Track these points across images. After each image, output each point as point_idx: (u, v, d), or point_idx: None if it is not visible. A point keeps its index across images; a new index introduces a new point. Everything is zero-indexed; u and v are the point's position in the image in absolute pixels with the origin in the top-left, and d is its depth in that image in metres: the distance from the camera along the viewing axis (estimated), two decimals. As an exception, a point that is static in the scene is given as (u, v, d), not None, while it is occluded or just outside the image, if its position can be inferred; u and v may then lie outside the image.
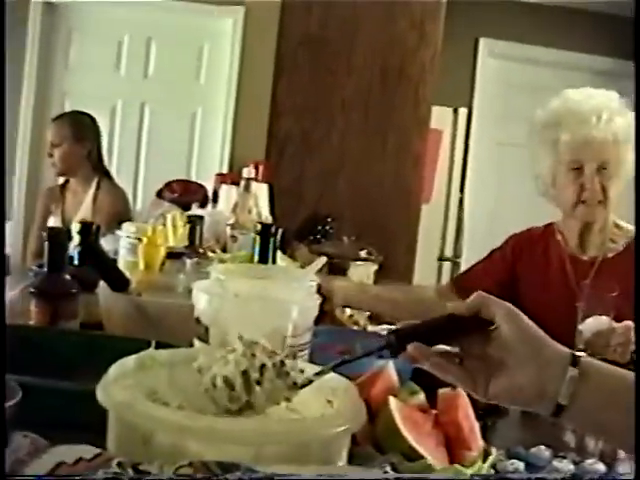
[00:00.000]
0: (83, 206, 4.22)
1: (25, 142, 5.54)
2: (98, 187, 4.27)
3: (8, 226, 5.52)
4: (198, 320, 1.37)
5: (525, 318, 1.18)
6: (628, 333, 2.18)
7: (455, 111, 6.06)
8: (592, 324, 2.17)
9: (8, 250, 5.44)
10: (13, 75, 5.44)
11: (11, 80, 5.44)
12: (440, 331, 1.20)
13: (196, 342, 1.38)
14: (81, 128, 4.33)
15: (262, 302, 1.42)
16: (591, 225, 2.55)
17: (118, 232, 2.84)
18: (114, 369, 1.09)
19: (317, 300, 1.45)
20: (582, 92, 2.57)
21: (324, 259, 1.70)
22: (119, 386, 1.03)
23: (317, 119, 4.52)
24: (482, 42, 6.16)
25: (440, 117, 5.54)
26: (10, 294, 2.36)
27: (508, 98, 6.25)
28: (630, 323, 2.19)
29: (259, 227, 2.06)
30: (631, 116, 2.46)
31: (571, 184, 2.48)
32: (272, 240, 2.03)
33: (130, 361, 1.14)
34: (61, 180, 4.40)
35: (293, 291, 1.50)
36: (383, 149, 4.54)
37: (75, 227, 1.98)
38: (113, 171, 4.48)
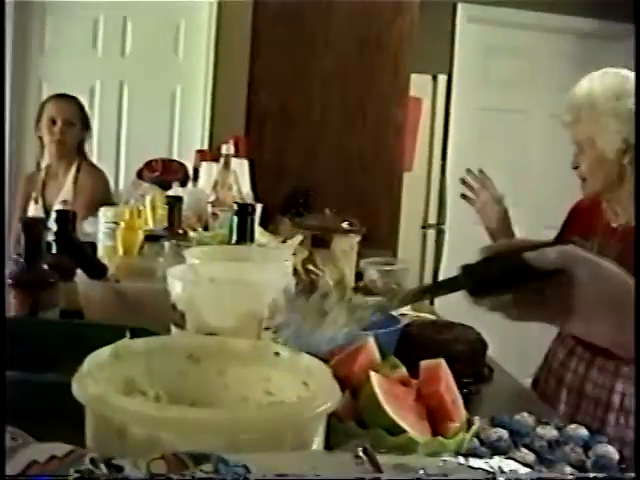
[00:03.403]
0: (64, 188, 4.22)
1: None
2: (78, 169, 4.26)
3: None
4: (174, 307, 1.37)
5: (611, 277, 1.18)
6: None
7: (434, 78, 6.04)
8: None
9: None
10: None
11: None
12: (514, 276, 1.19)
13: (173, 328, 1.38)
14: (87, 115, 4.35)
15: (236, 286, 1.43)
16: (598, 199, 2.78)
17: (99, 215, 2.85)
18: (89, 361, 1.09)
19: (292, 281, 1.45)
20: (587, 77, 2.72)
21: (300, 238, 1.71)
22: (94, 379, 1.03)
23: (296, 93, 4.51)
24: (460, 7, 6.13)
25: (419, 85, 5.52)
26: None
27: (488, 62, 6.24)
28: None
29: (236, 207, 2.06)
30: (605, 88, 2.60)
31: None
32: (249, 219, 2.04)
33: (105, 352, 1.14)
34: (44, 164, 4.37)
35: (268, 272, 1.50)
36: (363, 120, 4.54)
37: (52, 215, 1.99)
38: (94, 152, 4.47)
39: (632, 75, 2.63)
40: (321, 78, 4.51)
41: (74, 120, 4.24)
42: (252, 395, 1.18)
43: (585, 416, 2.52)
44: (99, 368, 1.09)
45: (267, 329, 1.35)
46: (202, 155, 3.90)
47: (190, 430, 0.93)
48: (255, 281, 1.43)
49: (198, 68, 5.43)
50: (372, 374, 1.41)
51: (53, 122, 4.20)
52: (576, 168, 2.71)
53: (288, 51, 4.51)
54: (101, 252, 2.53)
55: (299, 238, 1.71)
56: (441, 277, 5.98)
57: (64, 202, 4.17)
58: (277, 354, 1.22)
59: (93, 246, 2.60)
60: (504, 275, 1.19)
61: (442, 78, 6.07)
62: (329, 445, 1.06)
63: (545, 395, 2.65)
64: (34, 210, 4.27)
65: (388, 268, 3.50)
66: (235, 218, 2.03)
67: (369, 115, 4.54)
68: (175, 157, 5.16)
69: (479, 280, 1.17)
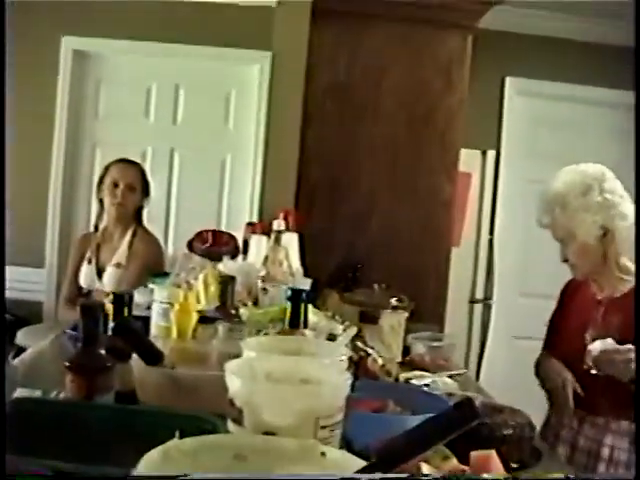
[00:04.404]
0: (119, 252, 4.28)
1: (57, 191, 5.60)
2: (134, 234, 4.32)
3: (41, 273, 5.59)
4: (232, 402, 1.38)
5: None
6: (629, 353, 2.62)
7: (484, 153, 6.04)
8: (599, 344, 2.68)
9: (42, 298, 5.51)
10: (44, 125, 5.53)
11: (42, 129, 5.53)
12: (422, 439, 1.24)
13: (230, 425, 1.39)
14: (148, 181, 4.41)
15: (293, 384, 1.44)
16: (586, 278, 3.10)
17: (151, 285, 2.86)
18: (142, 466, 1.11)
19: (348, 379, 1.46)
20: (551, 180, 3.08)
21: (354, 331, 1.72)
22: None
23: (345, 166, 4.52)
24: (508, 81, 6.13)
25: (469, 159, 5.49)
26: (41, 343, 2.39)
27: (536, 135, 6.21)
28: (631, 346, 2.63)
29: (289, 293, 2.08)
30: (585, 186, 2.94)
31: None
32: (302, 305, 2.05)
33: (155, 454, 1.16)
34: (102, 225, 4.42)
35: (325, 369, 1.51)
36: (412, 195, 4.54)
37: (108, 298, 2.01)
38: (144, 216, 4.51)
39: (589, 168, 2.99)
40: (370, 152, 4.52)
41: (136, 185, 4.31)
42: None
43: (579, 466, 2.76)
44: (151, 471, 1.11)
45: (324, 427, 1.35)
46: (252, 228, 3.92)
47: None
48: (312, 379, 1.44)
49: (248, 138, 5.51)
50: (423, 465, 1.41)
51: (115, 185, 4.27)
52: (566, 261, 3.05)
53: (338, 124, 4.53)
54: (154, 331, 2.54)
55: (353, 332, 1.72)
56: (487, 351, 5.96)
57: (117, 265, 4.23)
58: (323, 454, 1.23)
59: (145, 321, 2.61)
60: (410, 444, 1.23)
61: (491, 153, 6.07)
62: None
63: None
64: (87, 270, 4.32)
65: (435, 344, 3.50)
66: (289, 303, 2.05)
67: (418, 189, 4.55)
68: (223, 225, 5.22)
69: (390, 459, 1.20)
